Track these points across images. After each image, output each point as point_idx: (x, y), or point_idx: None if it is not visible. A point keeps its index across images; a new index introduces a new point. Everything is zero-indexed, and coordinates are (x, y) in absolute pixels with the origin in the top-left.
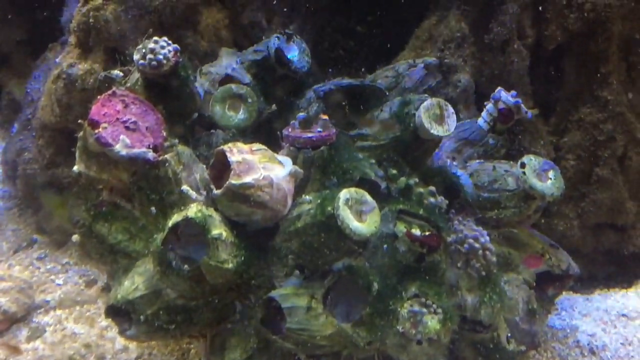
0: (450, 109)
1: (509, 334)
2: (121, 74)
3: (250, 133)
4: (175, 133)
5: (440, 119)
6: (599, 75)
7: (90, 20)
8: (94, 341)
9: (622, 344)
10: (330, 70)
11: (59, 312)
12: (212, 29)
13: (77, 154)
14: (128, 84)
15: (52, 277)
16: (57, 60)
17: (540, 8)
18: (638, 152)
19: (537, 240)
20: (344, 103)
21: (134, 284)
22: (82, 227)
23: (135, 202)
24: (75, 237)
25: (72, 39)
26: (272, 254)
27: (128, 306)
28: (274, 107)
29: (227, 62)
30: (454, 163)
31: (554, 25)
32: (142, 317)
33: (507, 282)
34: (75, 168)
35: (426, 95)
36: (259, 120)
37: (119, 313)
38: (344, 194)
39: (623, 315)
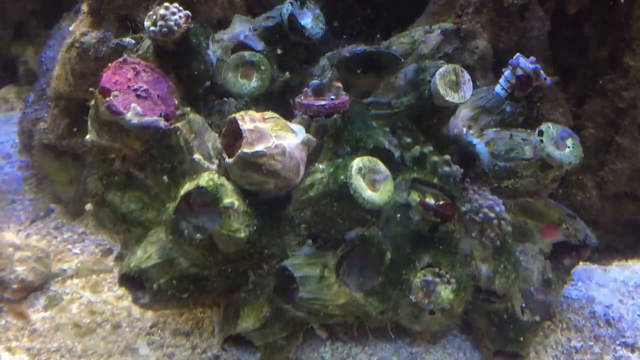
0: (467, 76)
1: (524, 305)
2: (133, 41)
3: (263, 101)
4: (188, 101)
5: (456, 86)
6: (621, 41)
7: None
8: (110, 309)
9: (639, 315)
10: (344, 37)
11: (75, 280)
12: None
13: (89, 123)
14: (139, 52)
15: (69, 246)
16: (70, 28)
17: None
18: None
19: (554, 210)
20: (358, 70)
21: (146, 252)
22: (95, 196)
23: (147, 171)
24: (88, 206)
25: (84, 7)
26: (285, 223)
27: (141, 275)
28: (287, 74)
29: (239, 29)
30: (470, 131)
31: None
32: (154, 285)
33: (522, 252)
34: (87, 137)
35: (442, 61)
36: (272, 88)
37: (133, 282)
38: (357, 162)
39: None
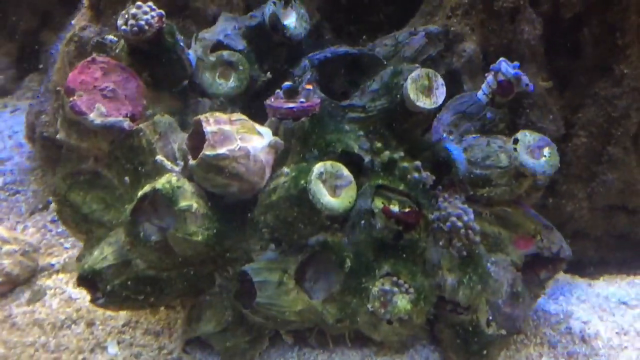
0: (440, 81)
1: (490, 317)
2: (115, 39)
3: (241, 102)
4: (162, 101)
5: (428, 91)
6: (616, 47)
7: None
8: (87, 306)
9: (617, 333)
10: (328, 37)
11: (61, 276)
12: None
13: (58, 122)
14: (117, 50)
15: (62, 240)
16: (73, 22)
17: None
18: None
19: (530, 220)
20: (340, 72)
21: (102, 254)
22: (57, 195)
23: (113, 171)
24: (54, 205)
25: (85, 1)
26: (249, 227)
27: (95, 276)
28: (268, 75)
29: (221, 27)
30: (451, 137)
31: None
32: (108, 287)
33: (494, 263)
34: (58, 136)
35: (417, 65)
36: (255, 89)
37: (91, 282)
38: (318, 167)
39: (623, 303)
